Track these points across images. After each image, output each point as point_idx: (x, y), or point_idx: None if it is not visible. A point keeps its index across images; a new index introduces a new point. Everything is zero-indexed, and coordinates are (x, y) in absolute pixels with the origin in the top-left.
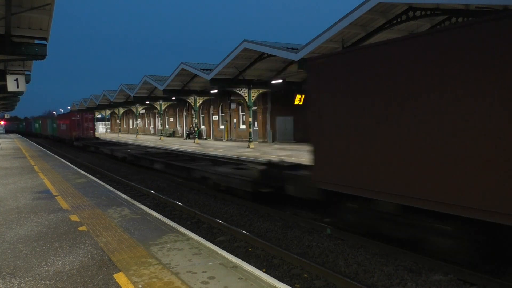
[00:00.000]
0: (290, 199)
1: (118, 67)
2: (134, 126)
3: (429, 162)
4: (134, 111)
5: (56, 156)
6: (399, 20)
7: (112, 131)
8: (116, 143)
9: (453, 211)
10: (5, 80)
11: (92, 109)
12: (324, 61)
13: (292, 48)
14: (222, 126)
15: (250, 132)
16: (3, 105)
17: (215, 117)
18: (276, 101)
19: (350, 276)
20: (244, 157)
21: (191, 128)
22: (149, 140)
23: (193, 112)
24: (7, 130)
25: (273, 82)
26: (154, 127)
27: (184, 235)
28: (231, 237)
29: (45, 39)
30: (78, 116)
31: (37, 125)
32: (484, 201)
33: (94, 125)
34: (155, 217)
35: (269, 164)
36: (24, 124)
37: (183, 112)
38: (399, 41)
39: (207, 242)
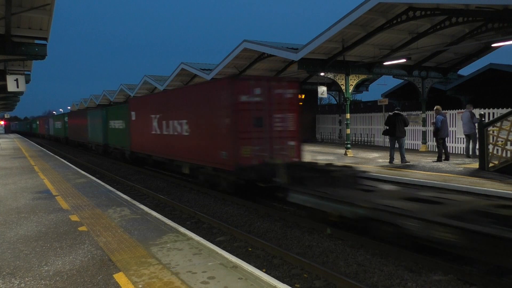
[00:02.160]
0: None
1: (118, 67)
2: None
3: None
4: None
5: (56, 156)
6: (399, 20)
7: None
8: None
9: None
10: (5, 80)
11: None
12: None
13: (292, 48)
14: None
15: None
16: (3, 105)
17: None
18: None
19: (350, 276)
20: None
21: None
22: None
23: None
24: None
25: None
26: None
27: (184, 235)
28: (231, 237)
29: (45, 39)
30: (262, 91)
31: (59, 125)
32: None
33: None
34: (155, 217)
35: None
36: (37, 123)
37: None
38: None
39: (207, 242)
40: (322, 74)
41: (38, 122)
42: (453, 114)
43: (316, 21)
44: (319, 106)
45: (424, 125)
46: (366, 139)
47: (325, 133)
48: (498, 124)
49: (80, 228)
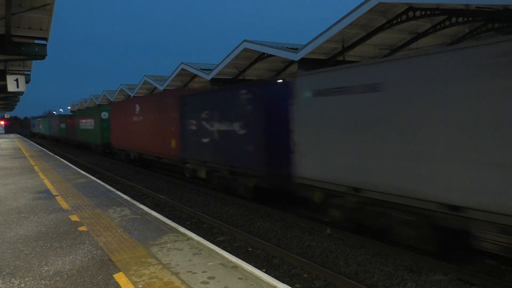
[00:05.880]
0: None
1: (118, 67)
2: None
3: None
4: None
5: (56, 156)
6: (399, 20)
7: None
8: None
9: None
10: (5, 80)
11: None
12: None
13: (292, 48)
14: None
15: None
16: (3, 105)
17: None
18: None
19: (350, 276)
20: None
21: None
22: None
23: None
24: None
25: None
26: None
27: (184, 235)
28: (231, 237)
29: (45, 39)
30: None
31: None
32: None
33: None
34: (155, 217)
35: None
36: (94, 120)
37: None
38: None
39: (207, 242)
40: None
41: (93, 118)
42: None
43: (316, 22)
44: None
45: None
46: None
47: None
48: None
49: (80, 228)
